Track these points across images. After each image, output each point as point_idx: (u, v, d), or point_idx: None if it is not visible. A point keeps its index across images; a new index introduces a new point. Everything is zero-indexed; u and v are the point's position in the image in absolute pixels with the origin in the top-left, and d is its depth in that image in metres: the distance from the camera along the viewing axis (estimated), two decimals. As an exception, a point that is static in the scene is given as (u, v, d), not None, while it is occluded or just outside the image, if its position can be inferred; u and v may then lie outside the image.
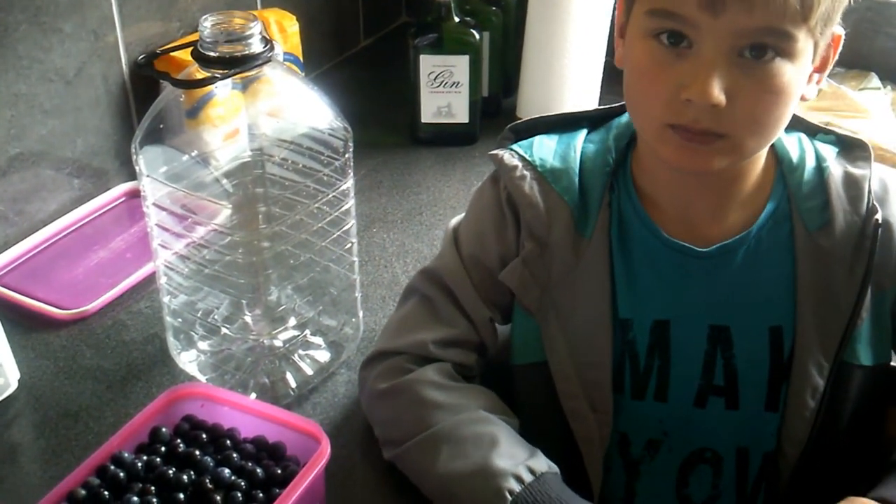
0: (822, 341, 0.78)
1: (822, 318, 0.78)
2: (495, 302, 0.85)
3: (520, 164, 0.83)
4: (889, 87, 1.43)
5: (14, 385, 0.93)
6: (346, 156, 0.91)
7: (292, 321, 0.97)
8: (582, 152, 0.83)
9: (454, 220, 0.90)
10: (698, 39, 0.68)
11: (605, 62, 1.40)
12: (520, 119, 1.41)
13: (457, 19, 1.32)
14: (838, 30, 0.73)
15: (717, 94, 0.67)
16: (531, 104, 1.42)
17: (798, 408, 0.79)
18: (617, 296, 0.81)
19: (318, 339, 0.98)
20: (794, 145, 0.81)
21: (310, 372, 0.95)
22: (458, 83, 1.35)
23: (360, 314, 1.00)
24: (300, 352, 0.96)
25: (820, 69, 0.74)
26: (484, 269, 0.84)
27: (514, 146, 0.85)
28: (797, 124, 0.83)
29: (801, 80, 0.71)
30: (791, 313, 0.79)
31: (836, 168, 0.79)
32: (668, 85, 0.69)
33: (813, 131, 0.83)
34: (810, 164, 0.80)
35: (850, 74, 1.44)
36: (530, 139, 0.86)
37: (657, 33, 0.70)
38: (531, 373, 0.83)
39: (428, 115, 1.38)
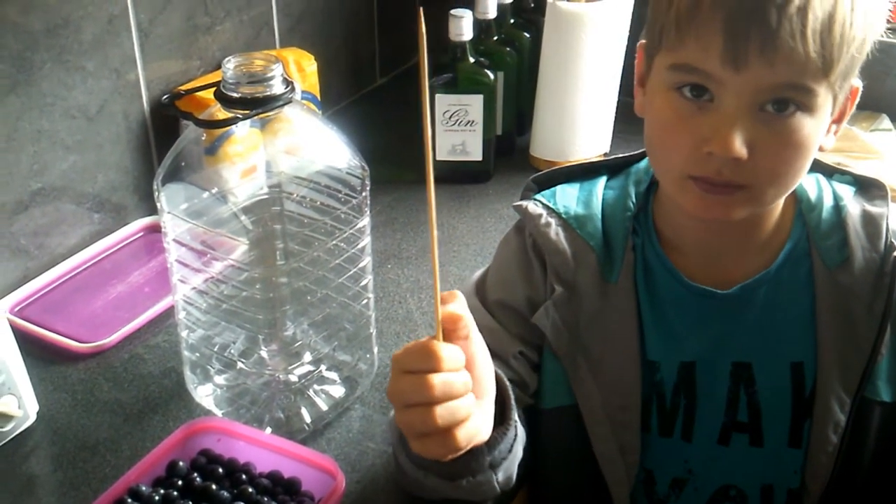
0: (843, 377, 0.79)
1: (842, 353, 0.79)
2: (526, 339, 0.84)
3: (544, 213, 0.84)
4: (900, 129, 1.44)
5: (33, 417, 0.94)
6: (364, 194, 0.92)
7: (308, 356, 0.98)
8: (603, 199, 0.85)
9: (476, 274, 0.91)
10: (720, 94, 0.69)
11: (618, 101, 1.42)
12: (533, 156, 1.44)
13: (472, 59, 1.34)
14: (856, 82, 0.74)
15: (739, 147, 0.68)
16: (545, 142, 1.43)
17: (821, 443, 0.80)
18: (645, 338, 0.82)
19: (333, 375, 0.99)
20: (812, 185, 0.83)
21: (325, 407, 0.96)
22: (473, 122, 1.37)
23: (375, 350, 1.01)
24: (315, 387, 0.97)
25: (837, 120, 0.76)
26: (513, 311, 0.85)
27: (538, 196, 0.86)
28: (814, 166, 0.84)
29: (820, 133, 0.72)
30: (812, 349, 0.80)
31: (854, 206, 0.80)
32: (691, 137, 0.70)
33: (829, 172, 0.85)
34: (828, 203, 0.81)
35: (861, 116, 1.45)
36: (552, 189, 0.87)
37: (679, 86, 0.71)
38: (560, 416, 0.84)
39: (443, 152, 1.39)
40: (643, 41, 0.77)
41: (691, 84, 0.70)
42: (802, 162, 0.72)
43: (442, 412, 0.62)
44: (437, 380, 0.61)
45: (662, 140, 0.74)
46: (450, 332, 0.64)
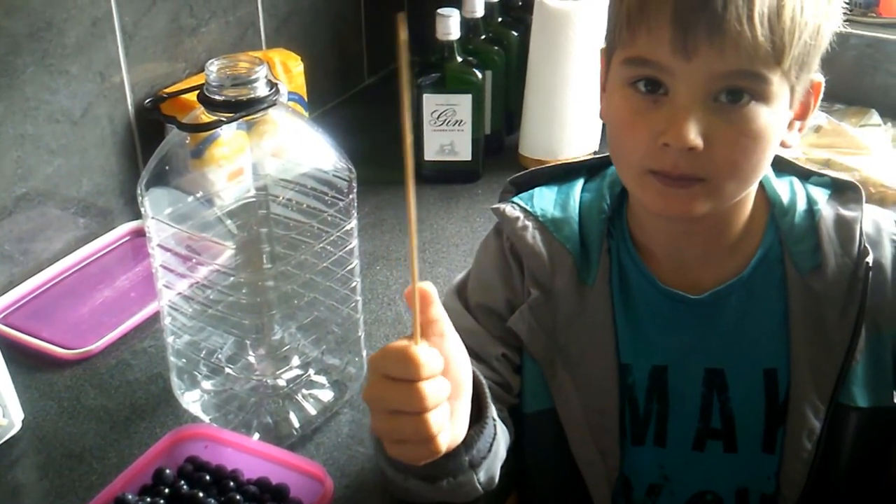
0: (816, 383, 0.78)
1: (816, 360, 0.78)
2: (507, 341, 0.84)
3: (521, 216, 0.84)
4: (889, 124, 1.43)
5: (18, 426, 0.93)
6: (351, 196, 0.91)
7: (296, 361, 0.97)
8: (580, 201, 0.84)
9: (457, 277, 0.91)
10: (673, 85, 0.69)
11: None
12: (522, 155, 1.44)
13: (459, 59, 1.33)
14: (818, 77, 0.74)
15: (694, 137, 0.68)
16: (534, 141, 1.43)
17: (795, 450, 0.79)
18: (619, 341, 0.81)
19: (321, 379, 0.98)
20: (786, 189, 0.82)
21: (313, 412, 0.95)
22: (461, 121, 1.36)
23: (364, 353, 1.00)
24: (303, 391, 0.96)
25: (801, 116, 0.75)
26: (493, 314, 0.84)
27: (515, 199, 0.86)
28: (790, 168, 0.84)
29: (778, 125, 0.71)
30: (785, 355, 0.79)
31: (828, 210, 0.80)
32: (647, 131, 0.70)
33: (806, 175, 0.84)
34: (801, 206, 0.80)
35: (850, 111, 1.45)
36: (530, 191, 0.87)
37: (634, 81, 0.71)
38: (541, 420, 0.83)
39: (431, 152, 1.39)
40: (602, 46, 0.77)
41: (645, 78, 0.70)
42: (760, 154, 0.71)
43: (435, 420, 0.61)
44: (428, 389, 0.60)
45: (621, 136, 0.74)
46: (426, 327, 0.62)
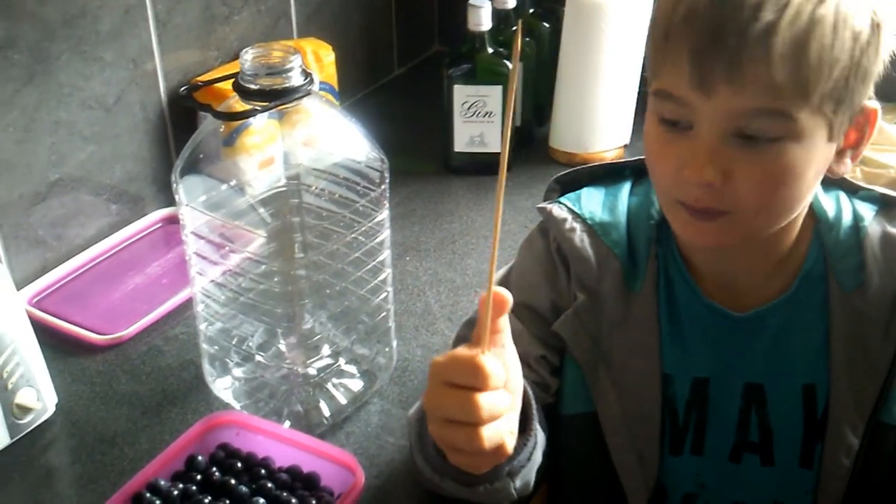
0: (856, 401, 0.77)
1: (856, 377, 0.77)
2: (548, 343, 0.83)
3: (569, 217, 0.83)
4: (925, 120, 1.41)
5: (51, 409, 0.94)
6: (382, 187, 0.91)
7: (326, 350, 0.97)
8: (628, 205, 0.83)
9: (497, 274, 0.89)
10: (695, 120, 0.68)
11: (639, 93, 1.40)
12: (553, 148, 1.43)
13: (490, 50, 1.33)
14: (873, 104, 0.71)
15: (710, 172, 0.67)
16: (564, 134, 1.42)
17: (833, 467, 0.79)
18: (663, 350, 0.81)
19: (351, 368, 0.98)
20: (832, 203, 0.80)
21: (343, 401, 0.95)
22: (491, 113, 1.36)
23: (394, 343, 1.00)
24: (334, 380, 0.96)
25: (854, 144, 0.72)
26: (536, 314, 0.83)
27: (562, 199, 0.85)
28: (838, 182, 0.81)
29: (812, 160, 0.68)
30: (825, 372, 0.78)
31: (874, 227, 0.78)
32: (672, 163, 0.70)
33: (854, 189, 0.82)
34: (847, 222, 0.79)
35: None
36: (577, 192, 0.86)
37: (662, 113, 0.71)
38: (580, 423, 0.83)
39: (461, 144, 1.38)
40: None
41: (671, 111, 0.69)
42: (790, 191, 0.69)
43: (488, 434, 0.60)
44: (485, 401, 0.59)
45: (652, 165, 0.74)
46: (492, 336, 0.61)
